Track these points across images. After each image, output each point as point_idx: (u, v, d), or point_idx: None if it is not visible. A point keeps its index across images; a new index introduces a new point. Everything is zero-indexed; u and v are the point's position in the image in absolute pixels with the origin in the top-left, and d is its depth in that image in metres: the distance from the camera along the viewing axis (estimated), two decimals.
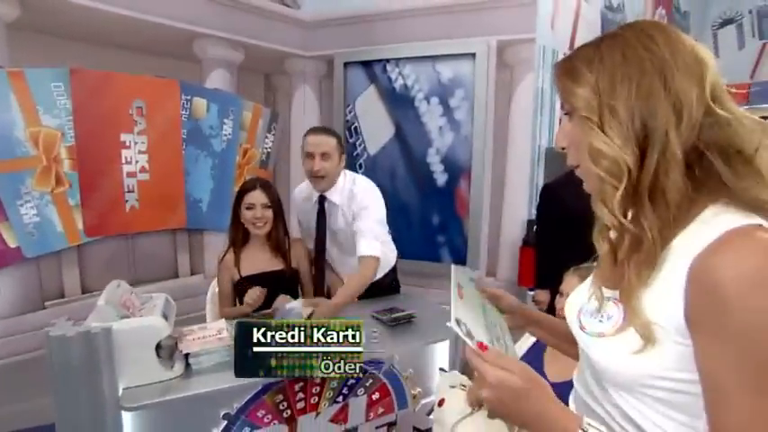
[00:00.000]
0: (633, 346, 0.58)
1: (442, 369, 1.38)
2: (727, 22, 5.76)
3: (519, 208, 3.18)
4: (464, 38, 3.13)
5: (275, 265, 1.92)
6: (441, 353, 1.57)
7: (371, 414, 1.42)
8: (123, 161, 2.47)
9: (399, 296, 2.21)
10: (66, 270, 2.34)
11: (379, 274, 2.02)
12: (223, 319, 1.56)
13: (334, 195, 2.05)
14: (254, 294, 1.75)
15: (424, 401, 1.50)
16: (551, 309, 1.94)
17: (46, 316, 2.21)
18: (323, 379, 1.31)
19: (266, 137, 3.33)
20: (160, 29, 2.61)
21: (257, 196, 1.85)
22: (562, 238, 2.01)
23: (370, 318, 1.66)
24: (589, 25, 3.56)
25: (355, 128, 3.49)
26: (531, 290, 2.44)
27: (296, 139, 3.48)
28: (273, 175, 3.41)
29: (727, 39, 5.74)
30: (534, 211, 3.26)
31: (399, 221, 3.40)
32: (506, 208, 3.21)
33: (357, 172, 3.53)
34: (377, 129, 3.43)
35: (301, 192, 2.19)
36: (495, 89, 3.10)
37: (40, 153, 2.16)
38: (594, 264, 0.80)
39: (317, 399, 1.33)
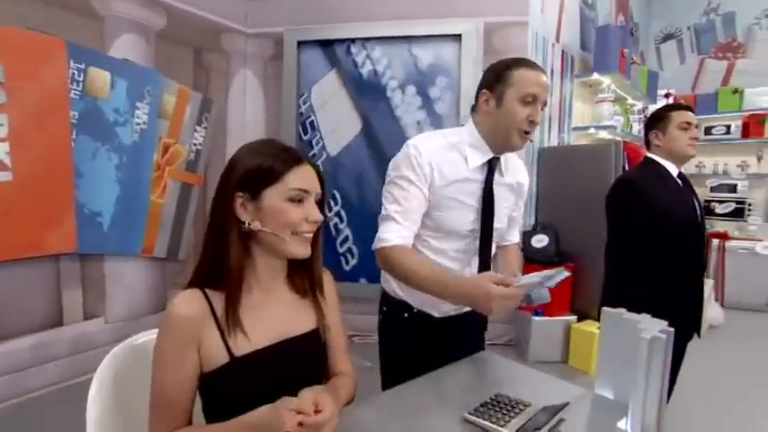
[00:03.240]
0: None
1: None
2: (668, 37, 5.76)
3: None
4: (447, 17, 2.55)
5: (305, 320, 0.91)
6: None
7: None
8: None
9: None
10: None
11: None
12: None
13: (506, 165, 1.22)
14: (316, 407, 0.72)
15: None
16: None
17: None
18: None
19: (195, 129, 2.51)
20: None
21: (312, 178, 0.85)
22: (647, 248, 1.44)
23: (460, 423, 0.82)
24: (569, 16, 3.15)
25: (311, 122, 2.77)
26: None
27: (234, 135, 2.69)
28: (205, 181, 2.59)
29: (670, 53, 5.74)
30: (530, 222, 2.75)
31: (368, 238, 2.72)
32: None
33: None
34: (339, 123, 2.73)
35: (443, 154, 1.14)
36: None
37: None
38: None
39: None
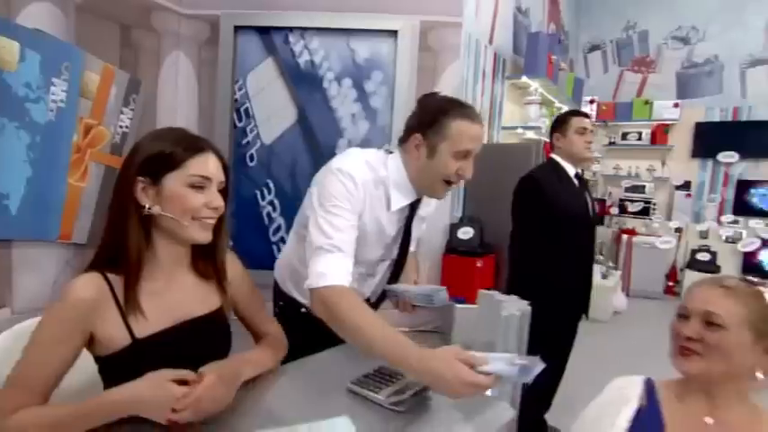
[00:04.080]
0: None
1: None
2: (594, 48, 6.15)
3: (441, 212, 2.71)
4: (385, 13, 2.57)
5: (208, 301, 0.90)
6: None
7: None
8: None
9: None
10: None
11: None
12: None
13: (423, 206, 1.20)
14: (217, 391, 0.76)
15: None
16: (533, 329, 1.46)
17: None
18: None
19: (122, 111, 2.37)
20: None
21: (214, 165, 0.84)
22: (545, 239, 1.55)
23: (345, 394, 0.88)
24: (502, 20, 3.28)
25: (246, 109, 2.70)
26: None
27: (165, 119, 2.57)
28: None
29: (596, 63, 6.13)
30: (457, 215, 2.85)
31: None
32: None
33: (247, 164, 2.76)
34: (274, 112, 2.69)
35: (369, 176, 1.08)
36: (417, 75, 2.59)
37: None
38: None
39: None
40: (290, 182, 2.68)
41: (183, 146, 0.80)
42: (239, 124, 2.73)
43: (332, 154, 2.64)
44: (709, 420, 0.76)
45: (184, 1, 2.62)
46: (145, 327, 0.79)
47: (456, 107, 1.05)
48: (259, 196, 2.73)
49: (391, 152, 1.13)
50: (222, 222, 0.87)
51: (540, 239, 1.53)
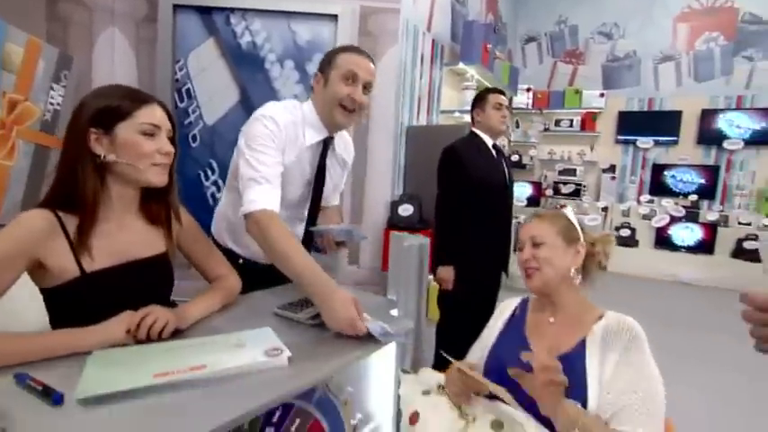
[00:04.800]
0: None
1: (405, 371, 0.96)
2: (530, 40, 6.45)
3: (382, 188, 2.81)
4: None
5: (154, 245, 0.96)
6: (383, 360, 1.00)
7: None
8: None
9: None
10: None
11: None
12: None
13: (339, 143, 1.32)
14: (157, 321, 0.84)
15: (365, 431, 0.97)
16: (460, 287, 1.62)
17: None
18: None
19: (52, 88, 2.27)
20: None
21: (161, 115, 0.91)
22: (467, 201, 1.70)
23: (272, 317, 1.01)
24: (440, 8, 3.40)
25: (187, 89, 2.65)
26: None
27: None
28: None
29: (532, 53, 6.44)
30: (398, 192, 2.96)
31: None
32: (369, 188, 2.80)
33: (190, 144, 2.72)
34: (216, 93, 2.66)
35: (290, 127, 1.20)
36: None
37: None
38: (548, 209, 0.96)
39: None
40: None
41: (130, 98, 0.87)
42: (181, 105, 2.68)
43: None
44: (551, 320, 0.97)
45: None
46: (93, 263, 0.84)
47: (345, 47, 1.24)
48: (203, 176, 2.71)
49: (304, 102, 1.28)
50: (173, 167, 0.94)
51: (461, 204, 1.67)
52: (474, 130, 1.84)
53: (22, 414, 0.57)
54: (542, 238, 0.97)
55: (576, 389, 0.82)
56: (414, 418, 0.85)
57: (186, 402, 0.64)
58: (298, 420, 0.80)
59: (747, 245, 4.58)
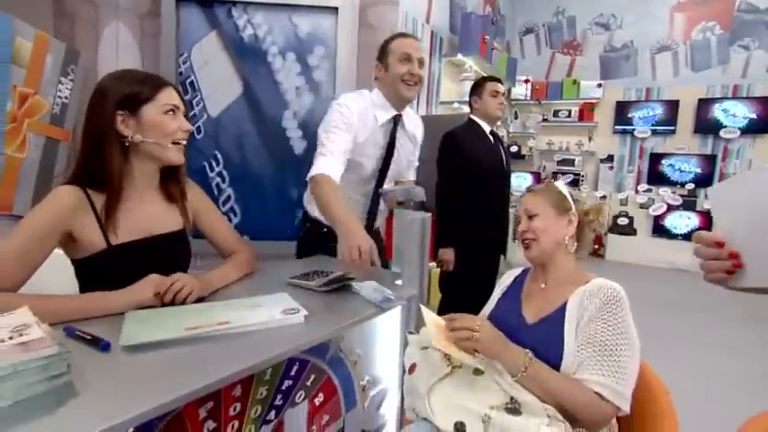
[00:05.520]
0: None
1: (410, 332, 1.04)
2: (528, 31, 6.47)
3: None
4: None
5: (173, 222, 1.05)
6: (389, 324, 1.10)
7: (314, 428, 0.91)
8: None
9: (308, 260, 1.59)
10: None
11: None
12: (24, 308, 0.81)
13: (407, 121, 1.56)
14: (158, 289, 0.90)
15: (372, 393, 1.05)
16: (460, 268, 1.69)
17: None
18: (246, 385, 0.78)
19: (60, 81, 2.32)
20: None
21: (177, 97, 1.00)
22: (464, 187, 1.79)
23: (286, 286, 1.09)
24: (440, 2, 3.44)
25: (191, 82, 2.70)
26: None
27: None
28: (73, 137, 2.42)
29: (530, 45, 6.46)
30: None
31: (250, 196, 2.77)
32: None
33: (195, 136, 2.76)
34: (220, 85, 2.70)
35: (363, 111, 1.46)
36: (358, 50, 2.70)
37: None
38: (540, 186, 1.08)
39: (237, 424, 0.77)
40: (238, 153, 2.73)
41: (150, 82, 0.93)
42: (185, 97, 2.72)
43: (278, 125, 2.74)
44: (542, 286, 1.04)
45: None
46: (118, 236, 0.90)
47: (393, 35, 1.52)
48: (207, 168, 2.76)
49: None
50: (187, 147, 1.03)
51: (460, 188, 1.73)
52: (472, 117, 1.90)
53: (77, 358, 0.64)
54: (535, 210, 1.04)
55: (554, 348, 0.89)
56: (412, 368, 0.94)
57: (213, 351, 0.72)
58: (313, 376, 0.87)
59: None
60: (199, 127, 2.72)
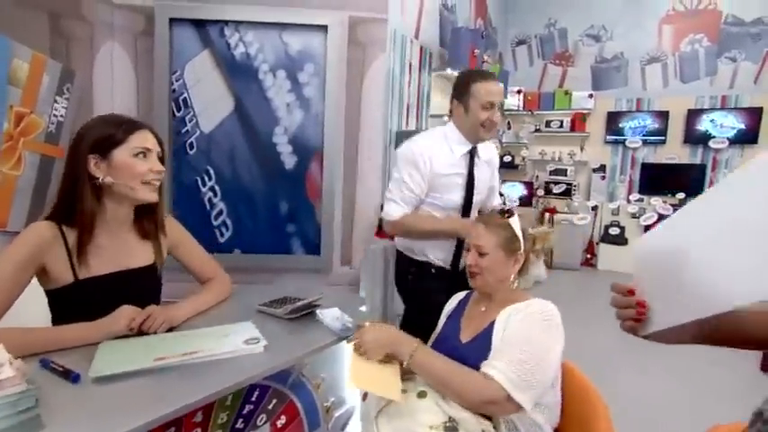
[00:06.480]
0: None
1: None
2: (521, 43, 6.55)
3: (373, 192, 2.91)
4: (315, 8, 2.70)
5: (144, 257, 1.09)
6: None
7: None
8: None
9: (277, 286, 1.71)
10: None
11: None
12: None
13: (481, 147, 1.64)
14: (130, 320, 0.95)
15: (337, 414, 1.10)
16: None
17: None
18: (206, 411, 0.86)
19: (56, 101, 2.37)
20: None
21: (152, 139, 1.05)
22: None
23: (255, 313, 1.15)
24: (429, 16, 3.51)
25: (184, 99, 2.75)
26: None
27: (102, 109, 2.58)
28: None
29: (522, 56, 6.54)
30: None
31: (241, 211, 2.81)
32: (360, 192, 2.90)
33: (187, 152, 2.82)
34: (212, 102, 2.76)
35: (436, 148, 1.56)
36: (347, 66, 2.76)
37: None
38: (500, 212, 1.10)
39: None
40: (230, 168, 2.78)
41: (124, 126, 0.99)
42: (178, 114, 2.78)
43: (269, 141, 2.80)
44: (483, 309, 1.10)
45: None
46: (86, 271, 0.96)
47: (475, 74, 1.55)
48: (200, 183, 2.81)
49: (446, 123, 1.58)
50: (162, 186, 1.08)
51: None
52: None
53: (49, 389, 0.69)
54: (485, 249, 1.07)
55: (484, 360, 0.96)
56: (365, 396, 0.99)
57: (178, 380, 0.77)
58: (274, 401, 0.92)
59: None
60: (191, 143, 2.77)
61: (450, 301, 1.22)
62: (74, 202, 0.96)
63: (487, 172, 1.68)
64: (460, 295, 1.20)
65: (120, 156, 0.98)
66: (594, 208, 5.75)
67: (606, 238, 5.54)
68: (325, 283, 2.54)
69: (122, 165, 0.98)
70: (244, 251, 2.77)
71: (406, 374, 0.97)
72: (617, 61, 5.83)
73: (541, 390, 0.90)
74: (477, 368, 0.92)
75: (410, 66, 3.24)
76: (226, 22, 2.70)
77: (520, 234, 1.09)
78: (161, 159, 1.07)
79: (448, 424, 0.87)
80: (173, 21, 2.68)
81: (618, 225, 5.53)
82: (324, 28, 2.71)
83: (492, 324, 1.00)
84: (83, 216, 0.97)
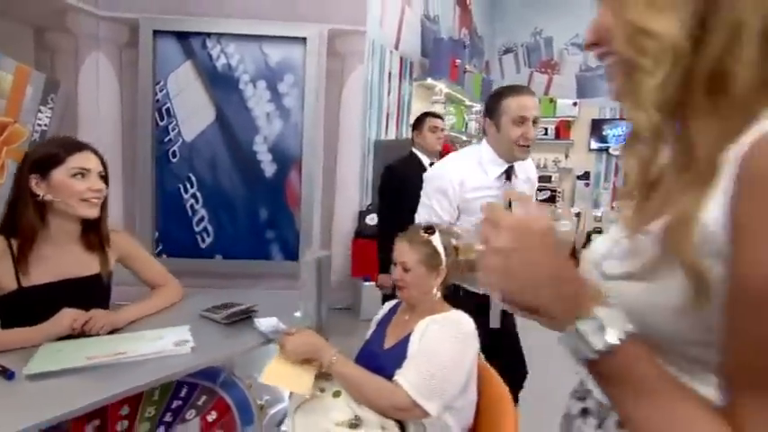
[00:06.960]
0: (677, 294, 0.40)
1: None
2: (507, 51, 6.66)
3: (351, 200, 2.99)
4: (295, 21, 2.79)
5: (89, 267, 1.17)
6: None
7: None
8: None
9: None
10: None
11: None
12: None
13: (518, 164, 1.49)
14: (72, 321, 1.04)
15: (272, 411, 1.17)
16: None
17: None
18: (133, 404, 0.93)
19: (40, 110, 2.44)
20: None
21: (93, 160, 1.12)
22: (405, 216, 1.89)
23: (198, 318, 1.23)
24: (410, 27, 3.59)
25: (167, 109, 2.83)
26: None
27: (86, 119, 2.65)
28: None
29: (509, 64, 6.65)
30: (366, 203, 3.14)
31: (222, 217, 2.88)
32: (338, 200, 2.98)
33: (170, 160, 2.89)
34: (194, 112, 2.84)
35: (467, 171, 1.44)
36: (326, 77, 2.84)
37: None
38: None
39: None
40: (211, 175, 2.85)
41: (64, 147, 1.07)
42: (161, 123, 2.86)
43: (249, 149, 2.87)
44: (406, 318, 1.16)
45: (101, 3, 2.70)
46: (30, 279, 1.04)
47: (506, 89, 1.43)
48: (182, 190, 2.88)
49: (479, 142, 1.49)
50: (105, 202, 1.15)
51: (396, 219, 1.85)
52: (413, 150, 2.02)
53: None
54: (408, 265, 1.13)
55: (400, 367, 1.03)
56: (290, 394, 1.06)
57: (105, 376, 0.87)
58: (204, 397, 1.00)
59: None
60: (174, 151, 2.84)
61: (383, 307, 1.28)
62: (16, 217, 1.06)
63: (527, 190, 1.54)
64: (391, 303, 1.27)
65: (58, 175, 1.06)
66: (577, 215, 5.84)
67: (588, 245, 5.62)
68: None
69: (60, 184, 1.06)
70: (225, 256, 2.84)
71: (328, 376, 1.04)
72: (601, 69, 5.90)
73: (450, 397, 0.98)
74: (393, 374, 0.99)
75: (389, 75, 3.32)
76: (208, 35, 2.79)
77: (441, 250, 1.14)
78: (104, 178, 1.14)
79: (353, 421, 0.95)
80: (156, 33, 2.76)
81: (600, 232, 5.61)
82: (303, 40, 2.79)
83: (411, 333, 1.07)
84: (23, 230, 1.05)
